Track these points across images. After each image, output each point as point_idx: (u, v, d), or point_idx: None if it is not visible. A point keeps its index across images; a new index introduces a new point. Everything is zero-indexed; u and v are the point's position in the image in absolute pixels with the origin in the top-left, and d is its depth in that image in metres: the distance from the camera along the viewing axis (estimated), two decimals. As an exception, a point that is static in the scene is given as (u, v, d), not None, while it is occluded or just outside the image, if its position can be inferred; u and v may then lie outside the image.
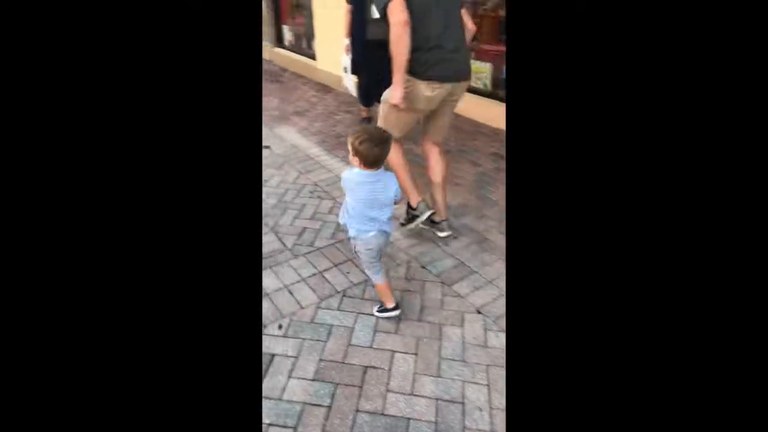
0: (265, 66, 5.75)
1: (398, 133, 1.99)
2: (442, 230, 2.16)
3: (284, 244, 2.15)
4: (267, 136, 3.38)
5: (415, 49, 1.76)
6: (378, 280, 1.67)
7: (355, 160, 1.50)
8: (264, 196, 2.59)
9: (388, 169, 1.61)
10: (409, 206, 2.15)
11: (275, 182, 2.77)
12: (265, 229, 2.27)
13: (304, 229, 2.28)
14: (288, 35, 5.91)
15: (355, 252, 1.69)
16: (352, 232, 1.61)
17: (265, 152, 3.17)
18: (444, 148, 2.22)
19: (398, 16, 1.68)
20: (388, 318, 1.71)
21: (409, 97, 1.85)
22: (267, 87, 4.82)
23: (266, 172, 2.86)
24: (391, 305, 1.70)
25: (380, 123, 2.02)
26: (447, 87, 1.89)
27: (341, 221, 1.64)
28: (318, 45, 5.01)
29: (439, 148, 2.15)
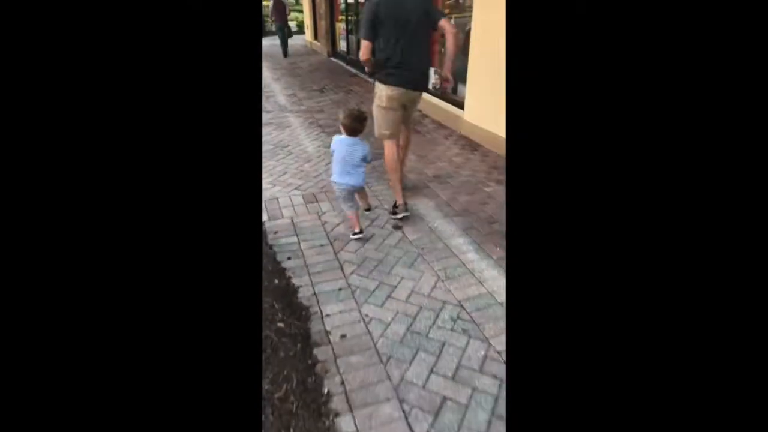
0: (405, 110, 5.26)
1: (387, 129, 2.67)
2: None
3: (412, 430, 1.40)
4: (401, 211, 2.72)
5: (384, 66, 2.54)
6: (349, 212, 2.45)
7: (342, 128, 2.33)
8: (389, 315, 1.89)
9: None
10: (395, 204, 2.70)
11: (405, 292, 2.05)
12: (386, 391, 1.54)
13: (444, 400, 1.50)
14: (434, 77, 5.35)
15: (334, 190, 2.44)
16: (333, 177, 2.37)
17: (398, 234, 2.51)
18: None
19: (361, 55, 2.55)
20: (357, 239, 2.44)
21: (379, 96, 2.64)
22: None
23: (396, 271, 2.18)
24: (357, 230, 2.44)
25: (375, 125, 2.72)
26: (402, 91, 2.58)
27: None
28: (468, 92, 4.31)
29: (406, 130, 2.91)
